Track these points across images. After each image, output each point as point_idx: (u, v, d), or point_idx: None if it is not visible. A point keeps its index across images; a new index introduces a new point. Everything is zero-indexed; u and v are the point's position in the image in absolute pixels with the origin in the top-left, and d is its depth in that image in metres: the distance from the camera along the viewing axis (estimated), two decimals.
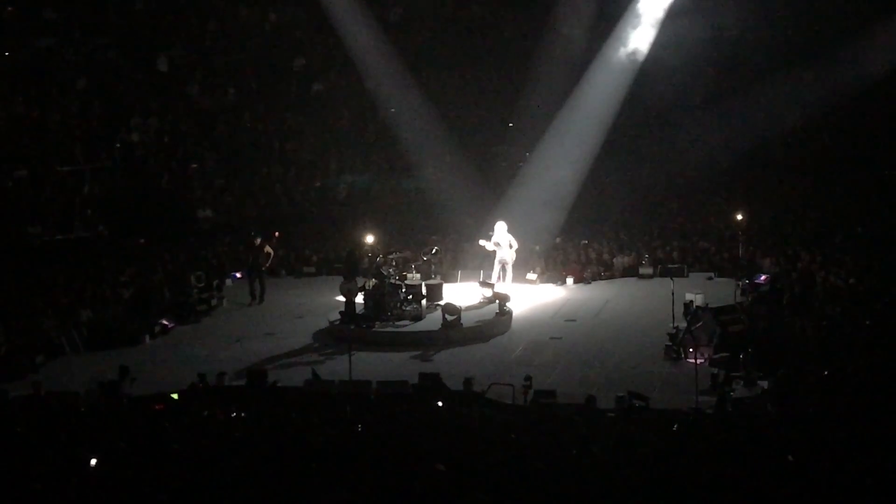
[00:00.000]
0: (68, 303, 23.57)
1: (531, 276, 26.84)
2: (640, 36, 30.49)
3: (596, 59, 30.82)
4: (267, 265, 26.13)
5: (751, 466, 11.29)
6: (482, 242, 24.99)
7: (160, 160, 32.12)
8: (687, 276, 26.59)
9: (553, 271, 27.33)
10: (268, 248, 25.96)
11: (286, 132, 34.64)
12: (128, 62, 34.19)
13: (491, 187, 30.80)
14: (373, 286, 22.74)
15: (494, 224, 25.24)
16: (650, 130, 32.74)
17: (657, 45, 30.37)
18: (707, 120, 31.49)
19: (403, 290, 22.96)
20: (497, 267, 25.15)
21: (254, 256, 25.95)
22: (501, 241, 24.94)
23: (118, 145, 31.52)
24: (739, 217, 27.21)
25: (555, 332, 22.41)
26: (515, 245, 25.06)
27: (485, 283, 24.14)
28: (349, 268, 24.03)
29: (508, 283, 25.05)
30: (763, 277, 23.79)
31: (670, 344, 20.08)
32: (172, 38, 35.68)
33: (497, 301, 23.13)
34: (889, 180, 29.98)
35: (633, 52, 30.54)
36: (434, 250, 25.49)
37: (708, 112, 31.75)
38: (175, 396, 16.98)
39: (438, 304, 22.78)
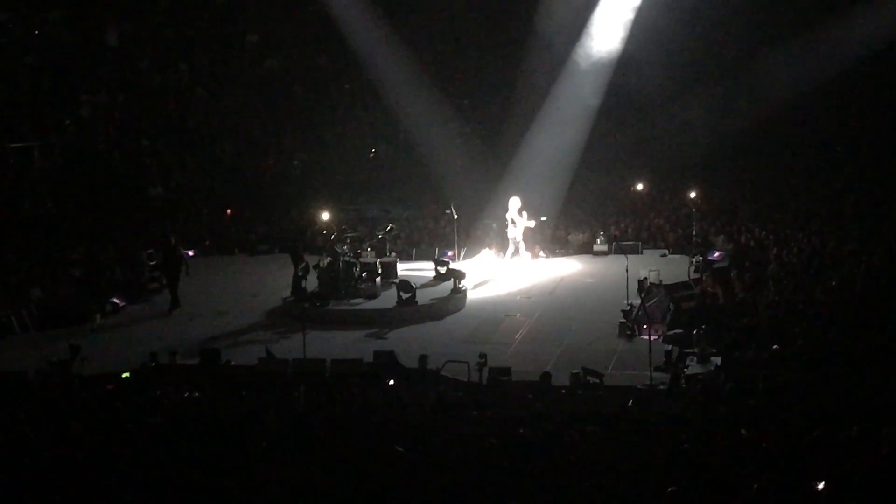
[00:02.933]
0: (18, 281, 23.27)
1: (486, 251, 26.89)
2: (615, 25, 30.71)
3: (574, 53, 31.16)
4: (183, 268, 23.44)
5: (704, 441, 11.32)
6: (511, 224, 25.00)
7: (110, 137, 31.66)
8: (641, 254, 26.76)
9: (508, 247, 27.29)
10: (182, 251, 23.71)
11: (239, 109, 34.32)
12: (77, 37, 33.77)
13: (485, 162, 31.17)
14: (327, 264, 22.61)
15: (508, 200, 25.34)
16: (627, 119, 33.70)
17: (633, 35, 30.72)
18: (678, 107, 32.41)
19: (358, 268, 22.89)
20: (511, 246, 25.31)
21: (168, 258, 23.47)
22: (515, 218, 25.10)
23: (68, 122, 31.03)
24: (693, 195, 27.43)
25: (510, 309, 22.42)
26: (528, 223, 25.18)
27: (440, 261, 24.11)
28: (296, 245, 23.82)
29: (524, 260, 25.30)
30: (716, 254, 23.96)
31: (624, 321, 20.08)
32: (123, 12, 35.31)
33: (452, 279, 23.13)
34: (842, 158, 30.71)
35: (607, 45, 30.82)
36: (389, 227, 25.44)
37: (680, 99, 32.63)
38: (127, 376, 16.81)
39: (393, 282, 22.75)
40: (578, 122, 30.67)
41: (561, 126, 30.53)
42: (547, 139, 30.46)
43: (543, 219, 26.47)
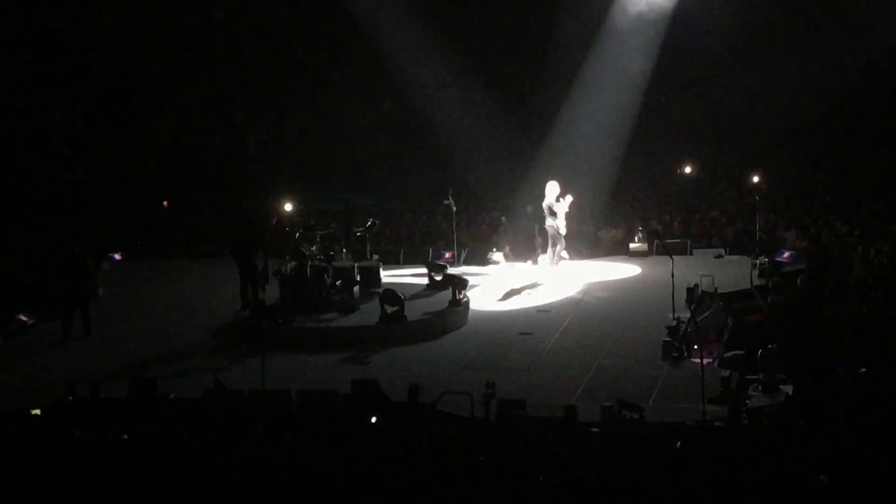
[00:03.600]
0: None
1: (495, 255, 27.10)
2: None
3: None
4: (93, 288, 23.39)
5: (773, 492, 11.35)
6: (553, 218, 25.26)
7: (15, 107, 31.63)
8: (690, 254, 26.99)
9: (524, 247, 27.65)
10: (91, 264, 23.52)
11: (177, 72, 34.42)
12: None
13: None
14: (291, 269, 22.61)
15: (545, 186, 25.56)
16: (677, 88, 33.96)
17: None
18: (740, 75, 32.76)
19: (331, 275, 22.94)
20: (551, 246, 25.56)
21: (75, 277, 22.97)
22: (555, 206, 25.33)
23: None
24: (756, 179, 27.49)
25: (524, 326, 22.40)
26: (562, 209, 25.31)
27: (435, 265, 24.14)
28: (249, 246, 23.68)
29: (560, 259, 25.59)
30: (786, 254, 24.08)
31: (670, 340, 20.13)
32: None
33: (451, 287, 23.15)
34: None
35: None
36: (370, 223, 25.50)
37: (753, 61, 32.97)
38: (37, 413, 16.67)
39: (376, 292, 22.79)
40: (621, 91, 31.22)
41: (601, 95, 31.14)
42: (586, 110, 31.10)
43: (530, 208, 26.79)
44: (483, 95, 34.52)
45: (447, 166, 30.33)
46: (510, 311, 23.72)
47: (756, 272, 23.52)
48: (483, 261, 27.74)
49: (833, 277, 21.93)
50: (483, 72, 34.97)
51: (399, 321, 22.08)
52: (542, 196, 25.55)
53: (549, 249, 25.72)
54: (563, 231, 25.40)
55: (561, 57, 32.78)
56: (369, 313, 22.56)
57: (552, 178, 25.70)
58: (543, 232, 26.35)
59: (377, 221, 26.51)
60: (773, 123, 32.03)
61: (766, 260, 23.83)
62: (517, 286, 25.26)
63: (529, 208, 27.81)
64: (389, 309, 22.06)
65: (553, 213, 25.34)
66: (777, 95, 32.04)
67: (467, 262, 26.83)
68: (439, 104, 33.47)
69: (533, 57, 34.41)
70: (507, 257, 27.31)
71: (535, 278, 25.63)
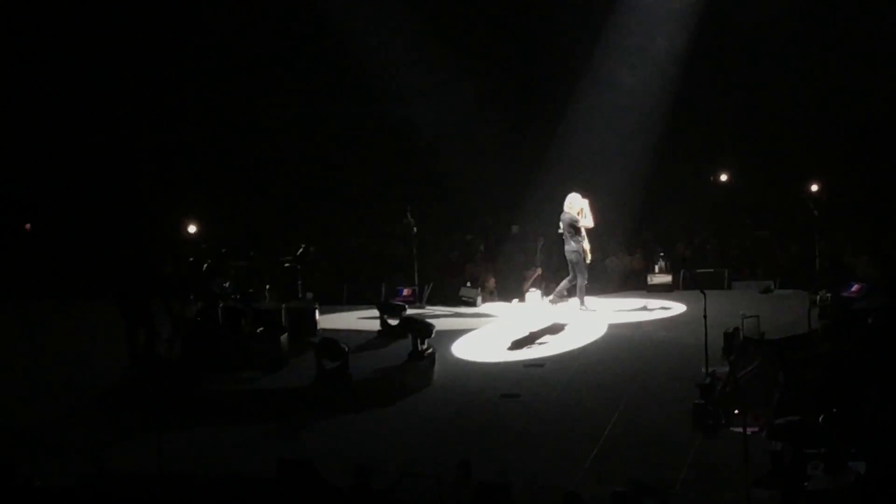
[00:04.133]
0: None
1: (469, 292, 27.44)
2: None
3: None
4: None
5: None
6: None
7: None
8: (729, 288, 27.11)
9: (510, 280, 28.00)
10: None
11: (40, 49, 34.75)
12: None
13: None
14: (196, 313, 22.66)
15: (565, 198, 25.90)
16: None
17: None
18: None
19: (250, 320, 23.02)
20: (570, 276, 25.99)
21: None
22: (581, 222, 25.83)
23: None
24: (815, 188, 27.53)
25: (509, 385, 22.35)
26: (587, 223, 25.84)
27: (389, 306, 24.41)
28: (140, 279, 23.52)
29: (560, 299, 26.14)
30: (855, 287, 24.13)
31: (702, 402, 20.09)
32: None
33: (411, 335, 23.19)
34: None
35: None
36: (301, 250, 25.71)
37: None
38: None
39: (311, 342, 22.93)
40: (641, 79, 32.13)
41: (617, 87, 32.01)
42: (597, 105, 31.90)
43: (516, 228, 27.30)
44: (463, 80, 34.88)
45: (407, 172, 30.13)
46: (490, 366, 23.68)
47: (816, 311, 23.52)
48: (454, 299, 27.81)
49: None
50: (460, 49, 35.18)
51: (342, 380, 22.05)
52: (532, 213, 26.11)
53: (566, 283, 26.06)
54: (588, 256, 25.86)
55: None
56: (302, 370, 22.57)
57: (572, 190, 26.06)
58: (543, 260, 27.10)
59: (312, 248, 26.58)
60: (839, 115, 32.37)
61: (829, 295, 23.85)
62: (501, 333, 25.30)
63: (515, 228, 28.18)
64: (329, 364, 22.02)
65: (576, 232, 25.75)
66: (844, 82, 32.44)
67: (433, 302, 27.09)
68: (403, 91, 34.10)
69: (533, 29, 35.12)
70: (489, 294, 27.55)
71: (525, 322, 25.66)
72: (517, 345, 24.67)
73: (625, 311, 26.70)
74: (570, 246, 25.81)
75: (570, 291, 26.32)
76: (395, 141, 35.34)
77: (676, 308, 26.33)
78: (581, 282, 26.02)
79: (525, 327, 25.43)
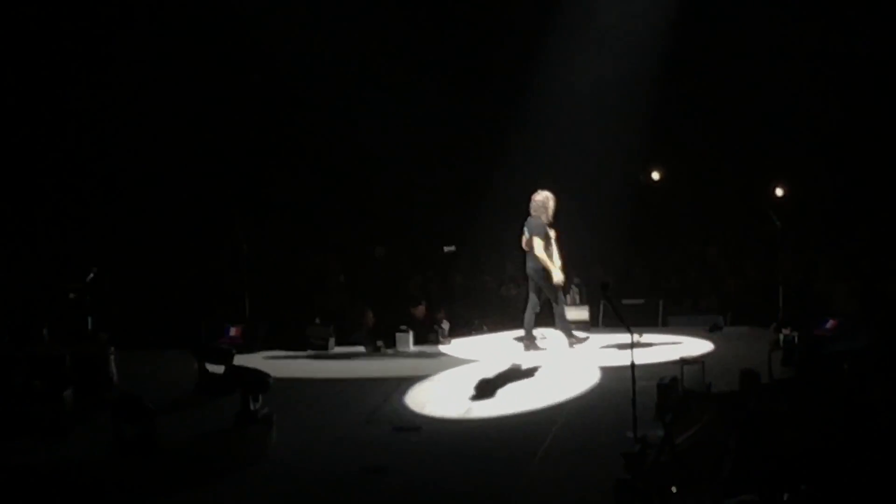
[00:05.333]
0: None
1: (316, 332, 26.46)
2: None
3: None
4: None
5: None
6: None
7: None
8: (665, 325, 26.69)
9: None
10: None
11: None
12: None
13: None
14: None
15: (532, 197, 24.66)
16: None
17: None
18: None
19: (23, 370, 21.46)
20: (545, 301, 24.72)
21: None
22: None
23: None
24: (779, 193, 27.75)
25: (373, 455, 19.65)
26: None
27: (211, 351, 22.65)
28: None
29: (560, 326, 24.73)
30: (830, 324, 23.23)
31: (628, 478, 17.53)
32: None
33: (241, 389, 20.64)
34: None
35: None
36: (91, 276, 24.97)
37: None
38: None
39: (105, 400, 20.63)
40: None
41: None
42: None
43: (451, 248, 27.73)
44: (394, 63, 33.64)
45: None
46: (346, 432, 20.79)
47: (779, 355, 21.54)
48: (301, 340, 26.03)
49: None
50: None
51: (147, 450, 19.66)
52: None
53: (531, 313, 24.45)
54: (557, 276, 24.25)
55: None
56: (94, 436, 19.92)
57: (544, 188, 24.61)
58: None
59: (95, 271, 24.84)
60: (809, 100, 30.71)
61: (796, 334, 22.02)
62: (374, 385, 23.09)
63: (448, 249, 28.44)
64: (130, 429, 19.75)
65: (547, 243, 24.21)
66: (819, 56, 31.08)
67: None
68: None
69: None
70: (369, 334, 25.77)
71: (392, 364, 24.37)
72: (386, 397, 22.58)
73: (520, 358, 24.63)
74: (534, 262, 24.23)
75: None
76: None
77: (593, 351, 24.38)
78: (560, 308, 24.55)
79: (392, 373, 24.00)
